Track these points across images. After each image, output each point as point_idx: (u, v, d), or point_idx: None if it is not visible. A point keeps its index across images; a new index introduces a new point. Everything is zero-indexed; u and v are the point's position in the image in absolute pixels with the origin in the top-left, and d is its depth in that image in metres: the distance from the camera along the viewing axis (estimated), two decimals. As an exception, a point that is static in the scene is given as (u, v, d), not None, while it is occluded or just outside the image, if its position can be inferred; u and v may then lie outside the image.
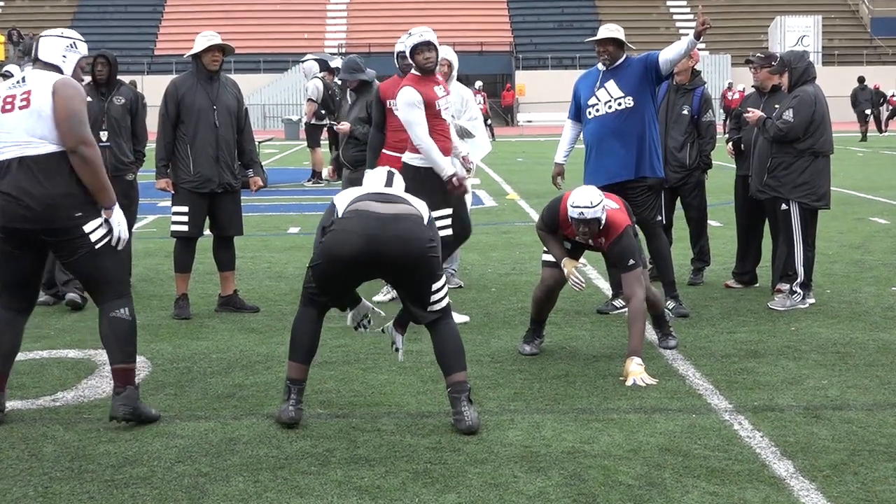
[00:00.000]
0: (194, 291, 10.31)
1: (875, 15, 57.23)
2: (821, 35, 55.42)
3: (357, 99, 11.11)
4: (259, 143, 12.54)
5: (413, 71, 9.18)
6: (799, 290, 9.74)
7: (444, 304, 6.59)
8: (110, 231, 6.56)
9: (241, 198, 10.21)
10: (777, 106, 10.24)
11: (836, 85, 41.50)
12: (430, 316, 6.59)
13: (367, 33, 53.46)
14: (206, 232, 10.08)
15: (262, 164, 10.68)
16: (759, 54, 10.92)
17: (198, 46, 9.76)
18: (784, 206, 9.71)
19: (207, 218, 9.97)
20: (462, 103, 10.50)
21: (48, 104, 6.39)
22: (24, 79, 6.55)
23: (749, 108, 9.64)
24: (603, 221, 7.74)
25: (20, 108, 6.43)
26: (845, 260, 12.23)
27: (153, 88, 21.24)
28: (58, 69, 6.57)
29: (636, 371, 7.38)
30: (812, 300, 9.85)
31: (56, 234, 6.42)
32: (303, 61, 21.91)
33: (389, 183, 6.86)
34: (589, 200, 7.61)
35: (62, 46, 6.62)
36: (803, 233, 9.72)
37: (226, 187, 9.86)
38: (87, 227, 6.44)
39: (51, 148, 6.39)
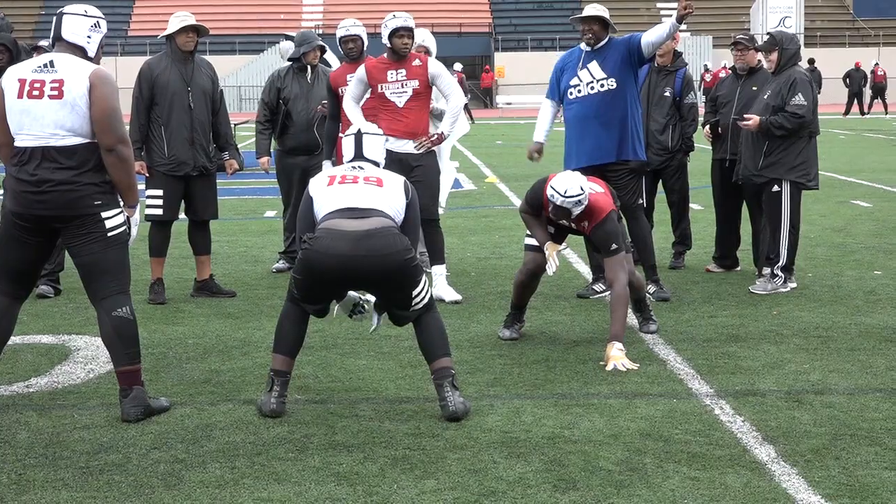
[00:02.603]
0: (169, 276, 10.29)
1: (858, -4, 57.42)
2: (803, 16, 55.48)
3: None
4: (235, 125, 12.48)
5: (385, 53, 9.59)
6: (780, 273, 9.78)
7: (424, 302, 6.58)
8: (126, 225, 6.53)
9: (217, 181, 10.20)
10: (755, 88, 10.29)
11: (819, 67, 41.55)
12: (412, 315, 6.60)
13: (345, 14, 53.23)
14: (182, 215, 10.06)
15: (238, 146, 10.64)
16: (741, 36, 10.91)
17: (171, 27, 9.74)
18: (776, 188, 9.69)
19: (182, 201, 9.96)
20: (447, 85, 10.53)
21: (84, 98, 6.29)
22: (51, 63, 6.38)
23: (746, 116, 9.55)
24: (583, 207, 7.77)
25: (50, 97, 6.30)
26: (827, 243, 12.29)
27: (127, 70, 21.17)
28: (82, 50, 6.47)
29: (617, 356, 7.39)
30: (794, 284, 9.89)
31: (73, 220, 6.38)
32: (279, 42, 21.84)
33: (359, 148, 6.91)
34: (566, 189, 7.65)
35: (87, 26, 6.50)
36: (792, 215, 9.74)
37: (201, 170, 9.85)
38: (104, 214, 6.41)
39: (78, 140, 6.33)
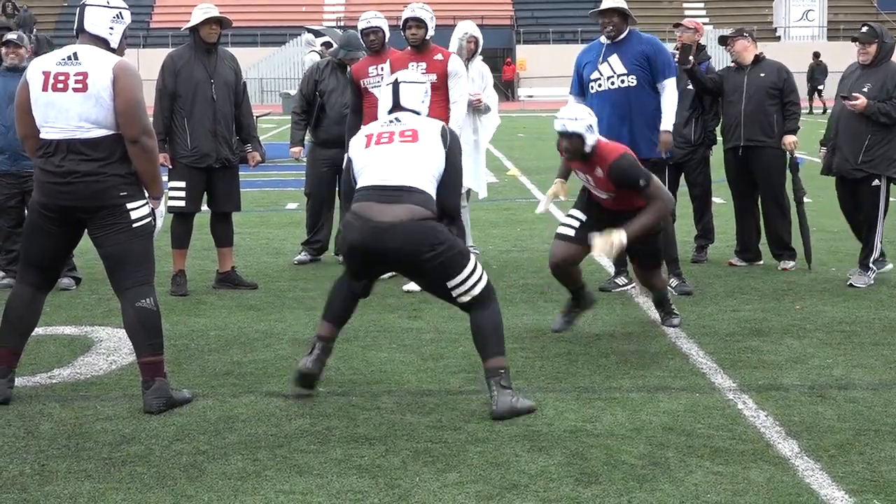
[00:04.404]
0: (191, 268, 10.31)
1: (882, -11, 57.15)
2: (826, 9, 55.32)
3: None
4: (257, 117, 12.50)
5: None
6: (874, 266, 9.87)
7: (471, 295, 6.38)
8: (151, 217, 6.55)
9: (239, 173, 10.21)
10: (763, 75, 10.49)
11: (844, 59, 41.46)
12: (458, 304, 6.47)
13: (366, 6, 53.23)
14: (204, 207, 10.08)
15: (260, 138, 10.67)
16: (730, 32, 11.09)
17: (195, 19, 9.75)
18: (876, 182, 9.70)
19: (205, 193, 9.98)
20: (481, 79, 10.60)
21: (108, 91, 6.30)
22: (75, 55, 6.39)
23: (854, 95, 9.52)
24: (588, 142, 7.51)
25: (75, 89, 6.32)
26: (852, 237, 12.21)
27: (149, 62, 21.22)
28: (105, 42, 6.47)
29: (606, 242, 7.45)
30: (890, 265, 10.08)
31: (98, 211, 6.40)
32: (300, 34, 21.91)
33: (397, 98, 6.73)
34: (571, 114, 7.50)
35: (109, 17, 6.50)
36: (886, 209, 9.82)
37: (223, 162, 9.87)
38: (129, 206, 6.42)
39: (103, 132, 6.35)
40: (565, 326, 8.16)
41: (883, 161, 9.63)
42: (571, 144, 7.48)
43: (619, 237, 7.35)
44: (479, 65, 10.69)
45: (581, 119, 7.42)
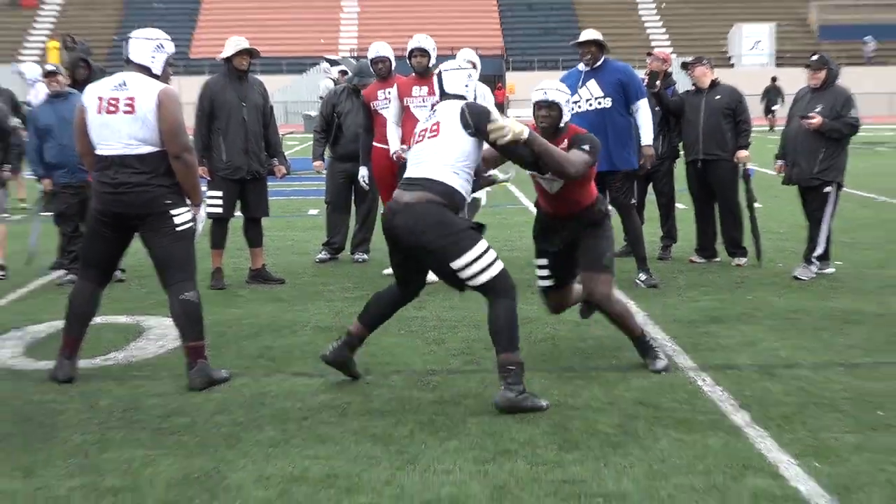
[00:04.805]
0: (227, 265, 10.33)
1: (822, 23, 56.97)
2: (774, 40, 55.16)
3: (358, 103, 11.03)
4: (282, 135, 12.53)
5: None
6: (816, 261, 9.86)
7: (479, 281, 5.97)
8: (193, 221, 6.58)
9: (268, 183, 10.23)
10: (718, 98, 10.54)
11: (789, 81, 41.36)
12: (468, 288, 6.10)
13: (375, 38, 53.00)
14: (238, 213, 10.10)
15: (286, 153, 10.68)
16: (691, 59, 11.07)
17: (228, 50, 9.78)
18: (827, 189, 9.73)
19: (239, 201, 10.00)
20: (482, 99, 10.60)
21: (153, 113, 6.35)
22: (124, 82, 6.45)
23: (811, 115, 9.59)
24: (564, 115, 6.54)
25: (125, 112, 6.38)
26: (796, 238, 12.22)
27: (189, 88, 21.23)
28: (147, 69, 6.51)
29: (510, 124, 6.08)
30: (833, 269, 9.99)
31: (147, 217, 6.44)
32: (319, 63, 21.94)
33: (441, 87, 6.41)
34: (553, 85, 6.60)
35: (150, 48, 6.54)
36: (834, 211, 9.84)
37: (254, 174, 9.90)
38: (173, 212, 6.46)
39: (149, 148, 6.40)
40: (589, 313, 7.31)
41: (833, 170, 9.69)
42: (550, 113, 6.52)
43: (521, 127, 6.08)
44: (479, 87, 10.68)
45: (562, 91, 6.58)
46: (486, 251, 6.01)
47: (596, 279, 6.71)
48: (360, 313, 6.48)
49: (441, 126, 6.15)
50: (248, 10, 57.64)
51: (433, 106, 6.53)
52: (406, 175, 6.27)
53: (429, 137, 6.19)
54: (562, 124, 6.56)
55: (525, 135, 6.05)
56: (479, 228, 6.15)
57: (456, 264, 5.96)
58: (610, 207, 9.61)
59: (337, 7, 59.93)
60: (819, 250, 9.85)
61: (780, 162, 10.17)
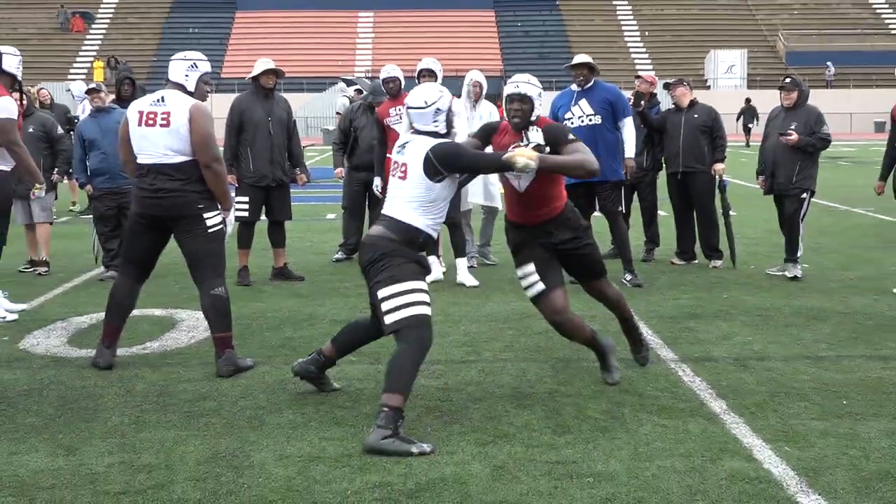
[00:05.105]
0: (253, 264, 10.29)
1: (789, 49, 56.91)
2: (746, 65, 55.10)
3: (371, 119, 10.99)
4: (304, 147, 12.50)
5: None
6: (799, 261, 9.87)
7: (393, 318, 5.24)
8: (223, 224, 6.54)
9: (290, 190, 10.19)
10: (696, 116, 10.50)
11: (760, 102, 41.33)
12: (385, 325, 5.31)
13: (388, 60, 53.05)
14: (263, 217, 10.06)
15: (306, 163, 10.64)
16: (673, 80, 11.00)
17: (256, 70, 9.76)
18: (803, 196, 9.72)
19: (264, 206, 9.97)
20: (489, 115, 10.49)
21: (185, 126, 6.32)
22: (162, 98, 6.44)
23: (789, 132, 9.58)
24: (536, 108, 5.84)
25: (161, 125, 6.36)
26: (767, 242, 12.20)
27: (221, 104, 21.23)
28: (182, 87, 6.48)
29: (524, 153, 5.44)
30: (799, 271, 9.91)
31: (181, 219, 6.40)
32: (336, 83, 21.91)
33: (410, 123, 5.60)
34: (525, 78, 5.95)
35: (184, 67, 6.51)
36: (805, 214, 9.82)
37: (278, 182, 9.86)
38: (205, 215, 6.41)
39: (183, 158, 6.37)
40: (615, 376, 6.22)
41: (808, 178, 9.71)
42: (522, 107, 5.80)
43: (534, 155, 5.41)
44: (486, 105, 10.58)
45: (534, 85, 5.90)
46: (411, 291, 5.27)
47: (599, 284, 6.26)
48: (334, 335, 5.90)
49: (408, 169, 5.41)
50: (274, 35, 57.67)
51: (403, 145, 5.57)
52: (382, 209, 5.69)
53: (399, 177, 5.50)
54: (533, 117, 5.84)
55: (534, 164, 5.38)
56: (424, 271, 5.45)
57: (381, 293, 5.28)
58: (597, 214, 9.64)
59: (353, 33, 59.97)
60: (800, 250, 9.81)
61: (761, 178, 10.12)
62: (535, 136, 5.69)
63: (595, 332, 6.26)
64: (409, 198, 5.42)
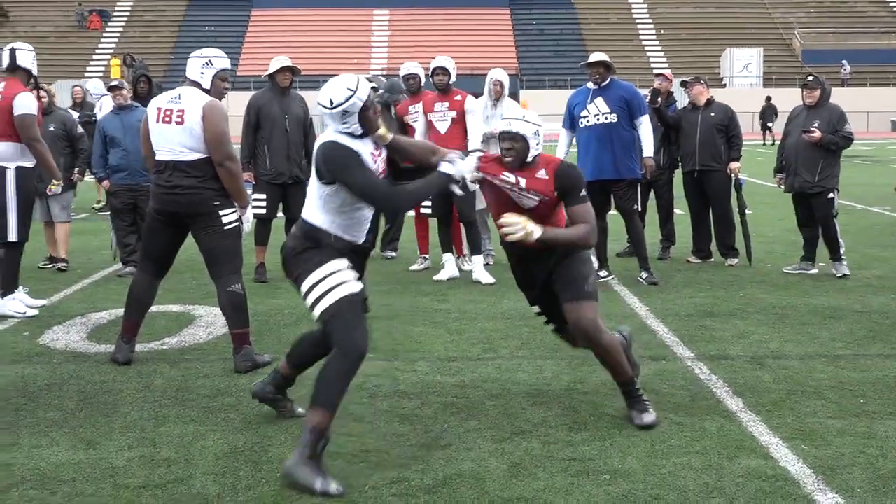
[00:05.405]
0: (270, 261, 10.28)
1: (804, 48, 56.67)
2: (762, 63, 54.92)
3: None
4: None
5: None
6: (844, 259, 9.83)
7: (316, 311, 4.72)
8: (239, 221, 6.56)
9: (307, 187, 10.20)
10: (713, 114, 10.47)
11: (775, 101, 41.17)
12: (315, 318, 4.78)
13: (403, 58, 52.86)
14: (280, 214, 10.08)
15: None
16: (690, 78, 10.96)
17: (272, 68, 9.78)
18: (830, 195, 9.70)
19: (281, 203, 9.98)
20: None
21: (199, 124, 6.35)
22: (179, 96, 6.47)
23: (812, 129, 9.57)
24: (531, 149, 5.21)
25: (176, 122, 6.39)
26: (783, 241, 12.17)
27: (237, 102, 21.24)
28: (198, 84, 6.50)
29: (519, 221, 5.07)
30: (816, 270, 9.86)
31: (197, 216, 6.43)
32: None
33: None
34: (519, 114, 5.29)
35: (200, 65, 6.53)
36: (836, 213, 9.80)
37: (295, 179, 9.87)
38: (221, 212, 6.44)
39: (198, 155, 6.39)
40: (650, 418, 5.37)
41: (832, 178, 9.69)
42: (514, 146, 5.19)
43: (534, 226, 5.05)
44: (508, 102, 10.55)
45: (531, 122, 5.23)
46: (327, 276, 4.73)
47: (579, 306, 5.29)
48: (287, 352, 5.38)
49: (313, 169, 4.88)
50: (290, 33, 57.74)
51: None
52: None
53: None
54: (529, 158, 5.21)
55: (537, 235, 4.99)
56: (332, 254, 4.81)
57: (302, 289, 4.77)
58: (613, 212, 9.64)
59: (368, 31, 60.01)
60: (843, 247, 9.80)
61: (780, 175, 10.09)
62: (458, 170, 4.91)
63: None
64: (311, 196, 4.89)
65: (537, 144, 5.22)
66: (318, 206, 4.83)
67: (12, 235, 8.12)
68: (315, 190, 4.83)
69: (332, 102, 4.77)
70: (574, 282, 5.32)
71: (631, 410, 5.39)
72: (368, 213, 4.90)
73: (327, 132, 4.84)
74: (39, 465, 4.81)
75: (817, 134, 9.54)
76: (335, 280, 4.71)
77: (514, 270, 5.68)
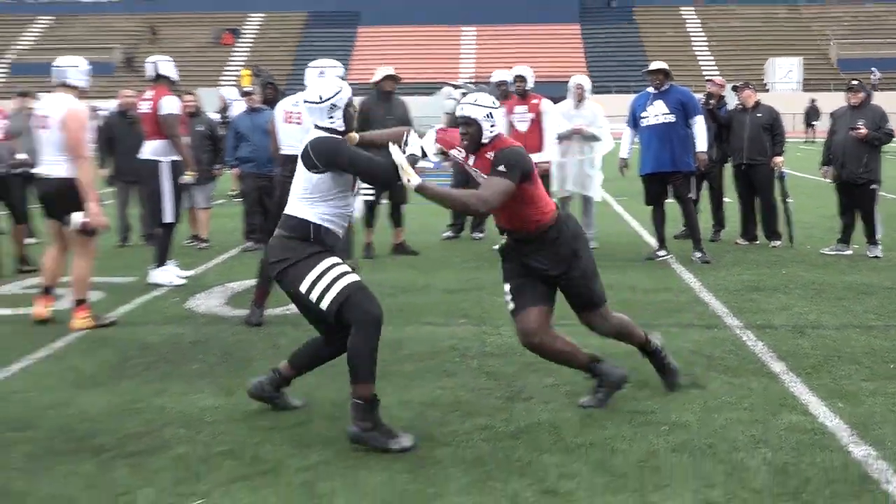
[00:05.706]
0: (376, 240, 10.38)
1: (840, 57, 55.16)
2: (802, 70, 53.58)
3: None
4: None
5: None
6: (879, 243, 9.60)
7: (326, 302, 4.33)
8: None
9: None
10: (759, 115, 10.26)
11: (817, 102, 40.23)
12: (326, 315, 4.40)
13: (491, 67, 52.81)
14: (385, 200, 10.15)
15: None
16: (740, 83, 10.69)
17: (378, 76, 9.83)
18: (873, 186, 9.51)
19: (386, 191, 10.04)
20: (592, 114, 10.27)
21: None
22: (298, 101, 6.60)
23: (858, 126, 9.38)
24: (485, 130, 4.65)
25: (296, 123, 6.58)
26: (821, 227, 11.86)
27: (347, 105, 21.50)
28: None
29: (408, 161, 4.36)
30: (850, 251, 9.66)
31: None
32: (442, 87, 21.88)
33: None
34: (471, 98, 4.73)
35: (314, 75, 6.56)
36: (877, 202, 9.58)
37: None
38: None
39: None
40: (593, 403, 4.92)
41: (875, 170, 9.49)
42: (468, 130, 4.67)
43: (415, 177, 4.26)
44: (590, 104, 10.34)
45: (482, 105, 4.65)
46: (326, 270, 4.36)
47: (597, 314, 5.00)
48: (290, 356, 4.92)
49: (299, 162, 4.49)
50: (391, 47, 57.95)
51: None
52: None
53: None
54: (484, 139, 4.66)
55: (413, 184, 4.27)
56: (323, 252, 4.42)
57: (302, 289, 4.37)
58: (670, 200, 9.50)
59: (458, 45, 59.96)
60: (879, 232, 9.57)
61: (825, 168, 9.87)
62: (413, 144, 4.49)
63: (596, 357, 5.01)
64: (296, 192, 4.48)
65: (491, 126, 4.63)
66: (303, 201, 4.43)
67: (168, 217, 8.35)
68: (301, 182, 4.43)
69: (321, 97, 4.45)
70: (587, 295, 4.90)
71: (662, 374, 5.19)
72: (350, 200, 4.54)
73: (311, 132, 4.49)
74: (187, 408, 4.94)
75: (863, 131, 9.35)
76: (335, 273, 4.36)
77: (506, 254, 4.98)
